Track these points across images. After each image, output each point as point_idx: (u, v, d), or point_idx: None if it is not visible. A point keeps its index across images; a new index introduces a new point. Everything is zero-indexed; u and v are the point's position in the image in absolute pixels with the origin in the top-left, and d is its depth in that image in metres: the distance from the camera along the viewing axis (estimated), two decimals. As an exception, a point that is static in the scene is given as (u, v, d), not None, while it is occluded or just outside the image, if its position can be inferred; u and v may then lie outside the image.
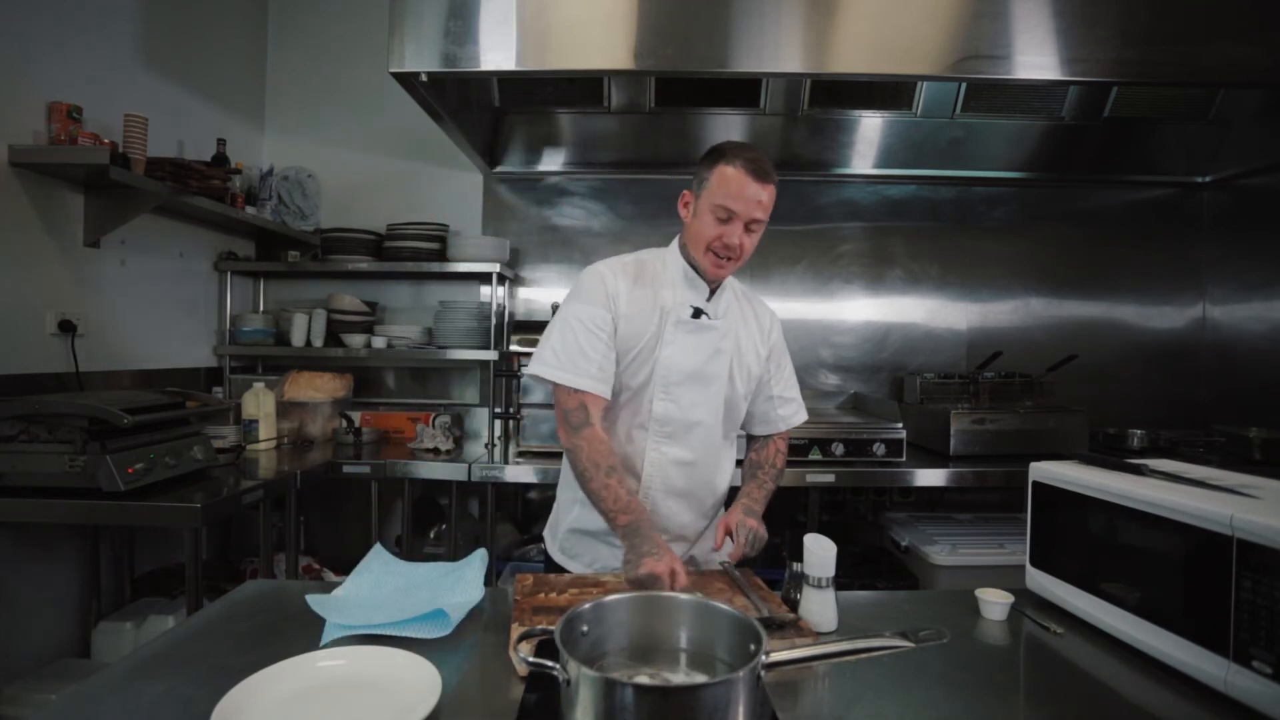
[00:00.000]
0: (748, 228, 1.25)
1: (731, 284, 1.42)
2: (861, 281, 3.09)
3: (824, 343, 3.09)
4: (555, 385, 1.28)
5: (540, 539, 1.59)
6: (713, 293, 1.36)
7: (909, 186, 3.10)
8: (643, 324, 1.31)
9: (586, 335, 1.27)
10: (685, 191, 1.34)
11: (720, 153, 1.26)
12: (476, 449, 2.69)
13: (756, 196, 1.22)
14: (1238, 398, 2.91)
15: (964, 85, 2.47)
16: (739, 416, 1.45)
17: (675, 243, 1.38)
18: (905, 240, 3.09)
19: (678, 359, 1.32)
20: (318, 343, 2.84)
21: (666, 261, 1.37)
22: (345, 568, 1.35)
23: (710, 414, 1.36)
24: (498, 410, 2.79)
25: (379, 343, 2.83)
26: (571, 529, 1.43)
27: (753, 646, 0.71)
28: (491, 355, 2.72)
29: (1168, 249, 3.09)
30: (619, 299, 1.30)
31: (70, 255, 2.11)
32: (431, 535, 2.83)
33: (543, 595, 1.10)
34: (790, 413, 1.49)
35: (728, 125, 2.76)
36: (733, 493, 1.43)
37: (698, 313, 1.33)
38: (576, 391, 1.26)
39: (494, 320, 2.76)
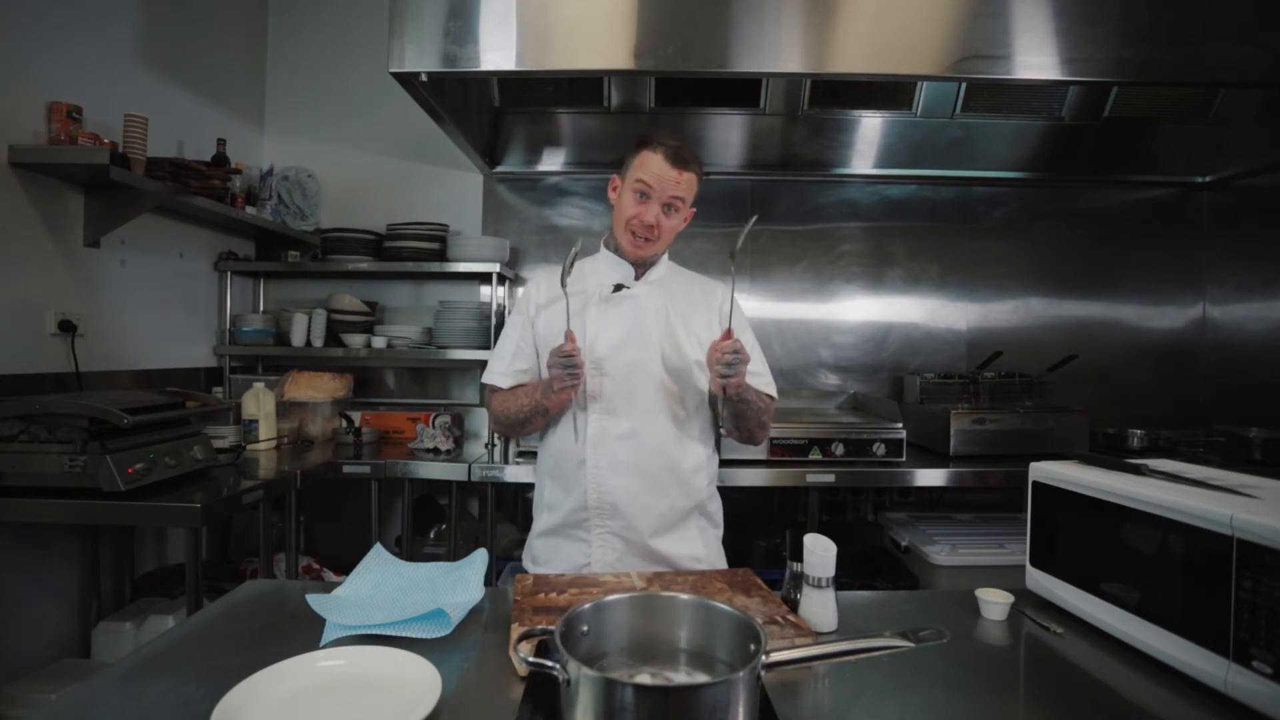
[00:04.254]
0: (666, 210, 1.34)
1: (672, 267, 1.48)
2: (861, 281, 3.09)
3: (824, 343, 3.09)
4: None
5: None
6: (640, 275, 1.42)
7: (909, 186, 3.10)
8: (561, 311, 1.33)
9: (504, 340, 1.47)
10: (614, 177, 1.41)
11: (646, 140, 1.35)
12: (476, 449, 2.69)
13: (673, 178, 1.31)
14: (1238, 398, 2.91)
15: (964, 85, 2.47)
16: (696, 386, 1.38)
17: (605, 238, 1.48)
18: (905, 240, 3.09)
19: (602, 332, 1.38)
20: (318, 343, 2.84)
21: (596, 257, 1.48)
22: (345, 568, 1.35)
23: (648, 380, 1.36)
24: (498, 410, 2.78)
25: (379, 343, 2.82)
26: (539, 534, 1.43)
27: (753, 646, 0.71)
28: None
29: (1168, 249, 3.09)
30: (538, 297, 1.45)
31: (70, 255, 2.11)
32: (431, 535, 2.82)
33: (543, 595, 1.10)
34: (759, 386, 1.41)
35: (728, 125, 2.76)
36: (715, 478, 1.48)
37: (619, 287, 1.41)
38: (486, 385, 1.46)
39: (494, 320, 2.76)
